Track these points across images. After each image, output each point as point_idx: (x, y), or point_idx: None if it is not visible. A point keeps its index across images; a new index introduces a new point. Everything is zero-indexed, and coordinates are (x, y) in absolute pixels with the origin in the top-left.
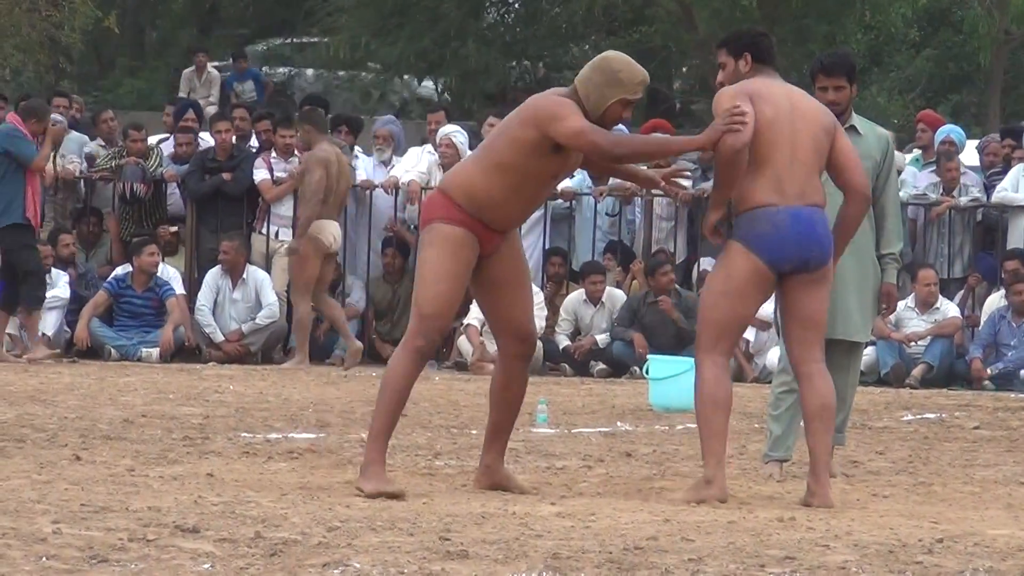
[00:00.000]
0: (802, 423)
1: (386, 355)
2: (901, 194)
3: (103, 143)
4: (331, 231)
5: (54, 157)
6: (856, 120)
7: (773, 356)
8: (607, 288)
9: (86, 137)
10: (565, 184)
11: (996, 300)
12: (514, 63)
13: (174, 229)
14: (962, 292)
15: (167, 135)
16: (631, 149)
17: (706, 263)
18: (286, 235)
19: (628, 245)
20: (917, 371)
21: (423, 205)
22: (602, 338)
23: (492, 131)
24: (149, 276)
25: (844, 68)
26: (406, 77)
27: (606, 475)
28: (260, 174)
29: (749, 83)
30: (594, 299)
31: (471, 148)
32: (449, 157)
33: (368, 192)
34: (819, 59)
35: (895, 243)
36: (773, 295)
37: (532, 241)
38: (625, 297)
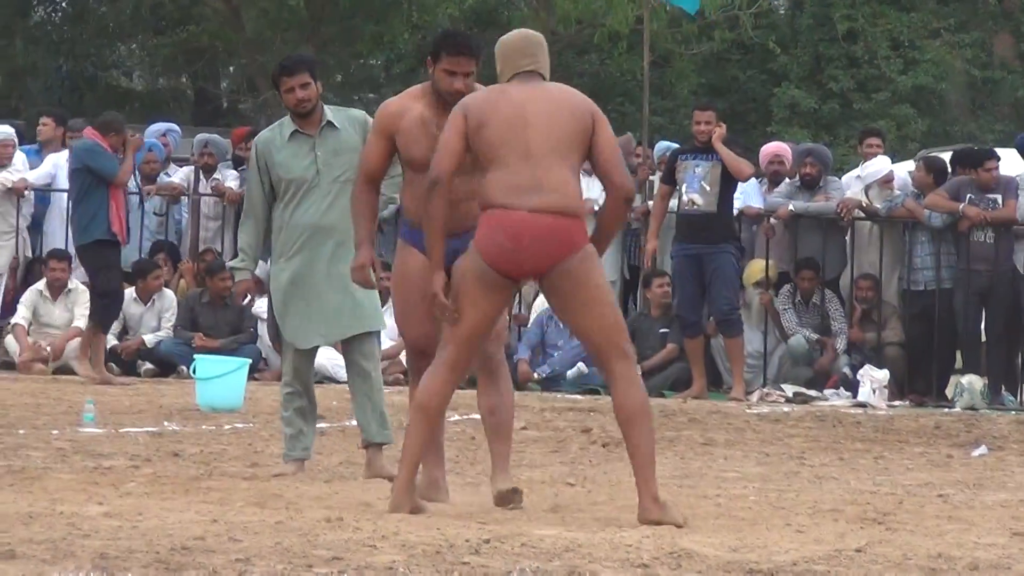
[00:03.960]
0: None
1: None
2: None
3: None
4: None
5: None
6: (330, 114)
7: None
8: (161, 287)
9: None
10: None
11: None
12: (62, 62)
13: None
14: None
15: None
16: None
17: None
18: None
19: (176, 244)
20: None
21: (565, 229)
22: (150, 338)
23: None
24: None
25: (306, 65)
26: None
27: (154, 475)
28: None
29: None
30: (145, 298)
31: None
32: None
33: None
34: (279, 64)
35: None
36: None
37: None
38: (174, 296)
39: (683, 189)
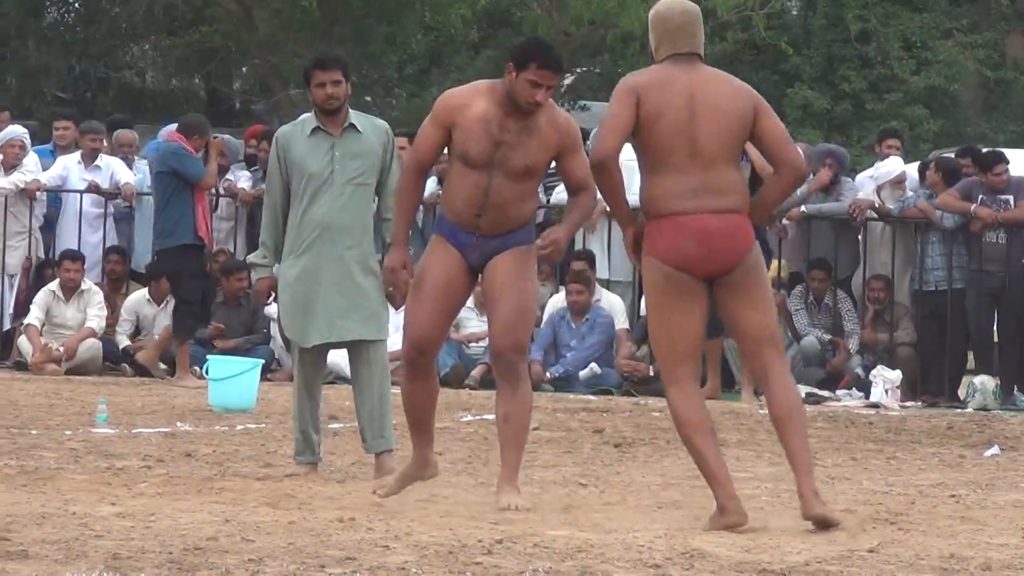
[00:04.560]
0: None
1: None
2: None
3: None
4: None
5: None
6: (354, 117)
7: None
8: None
9: None
10: (127, 183)
11: (558, 300)
12: (75, 63)
13: None
14: None
15: None
16: None
17: None
18: None
19: None
20: (476, 372)
21: (745, 229)
22: None
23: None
24: None
25: (340, 64)
26: None
27: (166, 475)
28: None
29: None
30: (158, 299)
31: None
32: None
33: None
34: (314, 57)
35: None
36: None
37: (96, 240)
38: None
39: None
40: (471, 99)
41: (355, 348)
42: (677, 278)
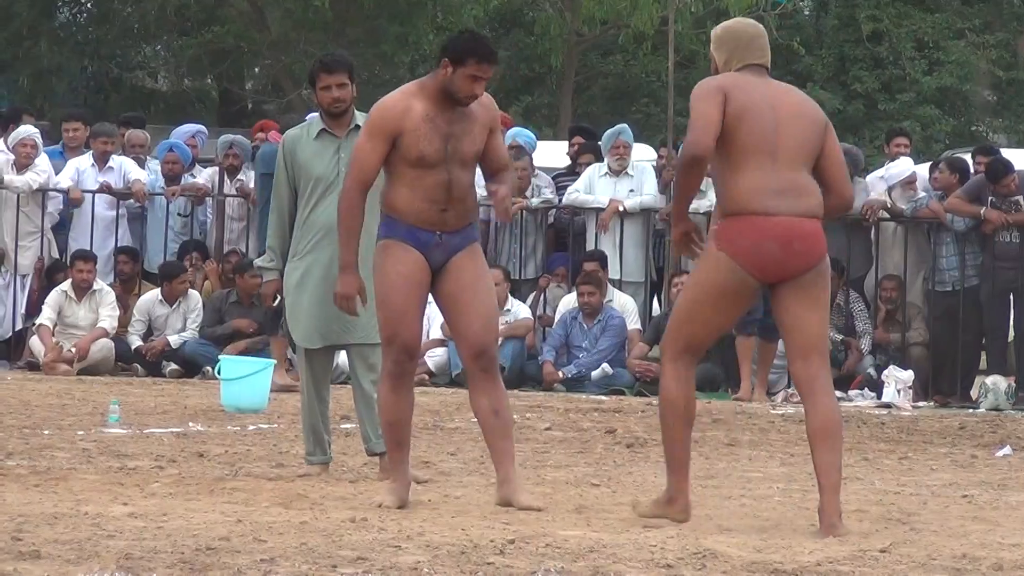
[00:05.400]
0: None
1: None
2: None
3: None
4: None
5: None
6: (360, 119)
7: None
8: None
9: None
10: (136, 179)
11: (570, 301)
12: (87, 63)
13: None
14: (533, 293)
15: None
16: None
17: None
18: None
19: (204, 243)
20: None
21: (820, 234)
22: (175, 339)
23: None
24: None
25: (345, 66)
26: None
27: (178, 475)
28: None
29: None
30: (171, 300)
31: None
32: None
33: None
34: (319, 59)
35: None
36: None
37: (110, 245)
38: (199, 298)
39: None
40: (408, 103)
41: (355, 351)
42: (742, 280)
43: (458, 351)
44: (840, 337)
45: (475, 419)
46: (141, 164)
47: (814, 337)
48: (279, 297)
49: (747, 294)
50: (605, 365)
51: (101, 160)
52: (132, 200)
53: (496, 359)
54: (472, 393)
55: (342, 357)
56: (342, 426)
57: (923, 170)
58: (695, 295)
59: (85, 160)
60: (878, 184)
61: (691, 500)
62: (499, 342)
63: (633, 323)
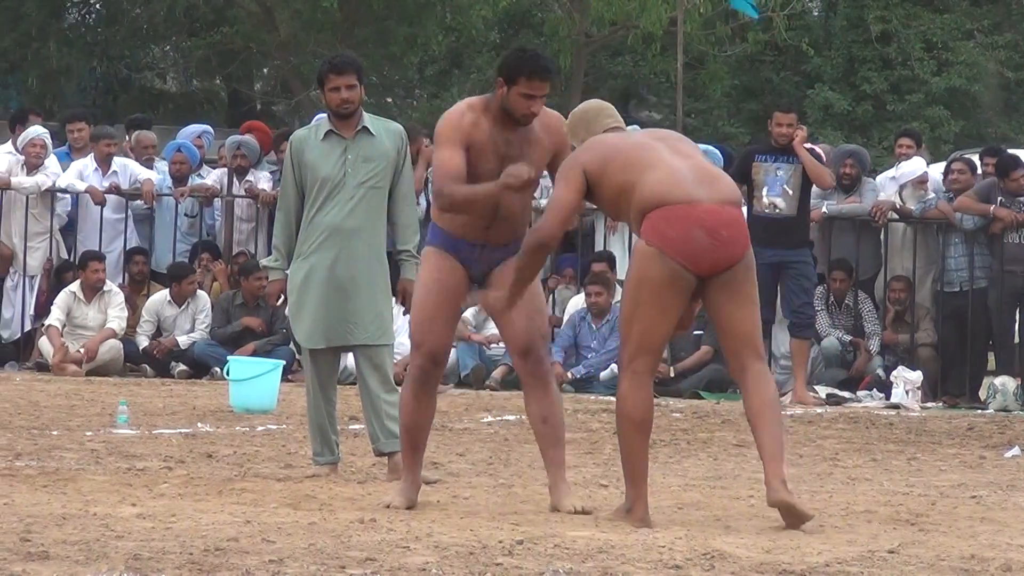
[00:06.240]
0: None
1: None
2: None
3: None
4: None
5: None
6: (368, 120)
7: None
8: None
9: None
10: (146, 179)
11: (578, 301)
12: (96, 64)
13: None
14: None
15: None
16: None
17: None
18: None
19: (215, 244)
20: (498, 373)
21: (744, 221)
22: (183, 339)
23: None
24: None
25: (354, 67)
26: None
27: (187, 476)
28: None
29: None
30: (180, 301)
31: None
32: (37, 157)
33: None
34: (327, 60)
35: (411, 239)
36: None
37: (117, 246)
38: (208, 299)
39: (764, 192)
40: (477, 117)
41: (361, 352)
42: (676, 273)
43: (509, 354)
44: (849, 338)
45: (483, 420)
46: (149, 165)
47: (747, 334)
48: (282, 297)
49: (684, 287)
50: (614, 366)
51: (104, 163)
52: (140, 201)
53: (544, 360)
54: (524, 398)
55: (350, 359)
56: (350, 427)
57: (934, 171)
58: (635, 295)
59: (89, 164)
60: (889, 184)
61: (649, 510)
62: (548, 343)
63: None
